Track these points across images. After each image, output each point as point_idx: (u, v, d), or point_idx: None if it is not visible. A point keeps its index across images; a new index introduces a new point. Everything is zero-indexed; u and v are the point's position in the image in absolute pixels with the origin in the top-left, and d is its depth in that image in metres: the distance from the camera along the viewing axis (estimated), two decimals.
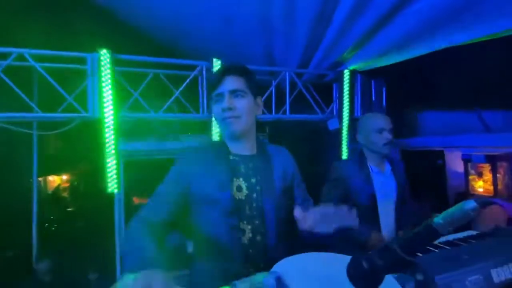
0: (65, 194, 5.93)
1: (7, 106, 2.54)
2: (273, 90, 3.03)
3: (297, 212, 0.89)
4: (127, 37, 2.51)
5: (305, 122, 3.28)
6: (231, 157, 1.07)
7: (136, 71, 2.76)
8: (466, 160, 5.72)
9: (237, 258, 0.96)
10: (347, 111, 2.99)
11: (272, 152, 1.15)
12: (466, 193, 5.66)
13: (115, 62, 2.36)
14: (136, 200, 4.12)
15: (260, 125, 4.14)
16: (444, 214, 0.53)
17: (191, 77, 2.67)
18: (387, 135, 1.64)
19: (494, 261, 1.09)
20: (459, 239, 1.42)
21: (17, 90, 2.34)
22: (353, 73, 2.93)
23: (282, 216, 1.04)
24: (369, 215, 1.64)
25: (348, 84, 2.93)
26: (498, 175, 5.23)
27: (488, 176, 5.42)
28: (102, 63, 2.22)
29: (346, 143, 2.97)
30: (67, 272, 3.34)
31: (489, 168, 5.34)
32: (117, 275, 3.01)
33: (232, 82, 1.03)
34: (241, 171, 1.05)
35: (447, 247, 1.32)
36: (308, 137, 3.68)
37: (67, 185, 6.17)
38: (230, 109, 1.01)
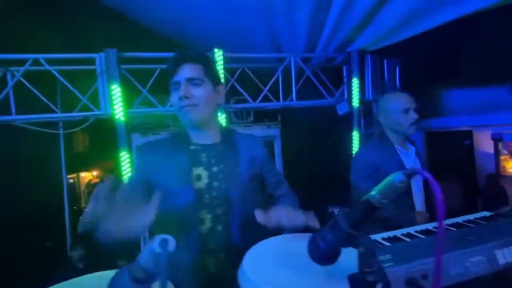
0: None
1: (31, 108, 2.74)
2: (280, 77, 2.98)
3: (259, 217, 0.85)
4: (133, 34, 2.58)
5: (319, 108, 3.21)
6: (191, 147, 1.04)
7: (145, 68, 2.85)
8: (497, 139, 5.31)
9: (193, 248, 0.94)
10: (357, 93, 2.87)
11: (238, 140, 1.12)
12: (497, 175, 5.28)
13: (123, 60, 2.46)
14: None
15: (272, 113, 4.12)
16: (377, 187, 0.54)
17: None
18: (413, 115, 1.56)
19: (501, 242, 1.04)
20: (470, 221, 1.36)
21: (37, 92, 2.52)
22: (362, 54, 2.79)
23: (249, 204, 1.00)
24: (404, 197, 1.56)
25: (357, 66, 2.80)
26: None
27: None
28: (109, 62, 2.33)
29: (357, 127, 2.87)
30: (98, 258, 3.61)
31: None
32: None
33: (188, 70, 0.99)
34: (202, 160, 1.02)
35: (453, 228, 1.28)
36: (322, 123, 3.61)
37: (97, 180, 6.60)
38: (186, 97, 0.98)
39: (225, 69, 2.71)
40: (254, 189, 1.06)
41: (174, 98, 1.02)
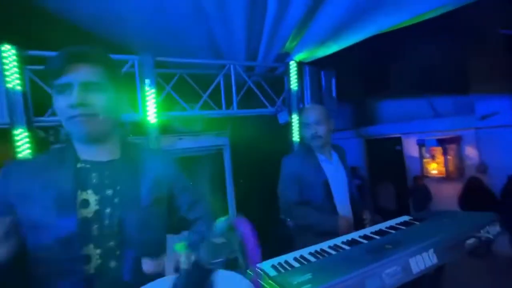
0: None
1: None
2: (222, 85, 2.88)
3: (145, 266, 0.73)
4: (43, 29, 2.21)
5: (269, 116, 3.18)
6: (78, 165, 0.84)
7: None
8: (420, 144, 6.04)
9: None
10: (295, 103, 2.94)
11: (143, 157, 0.94)
12: (422, 176, 5.97)
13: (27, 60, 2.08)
14: None
15: (220, 122, 3.99)
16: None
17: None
18: (313, 129, 1.59)
19: (414, 249, 1.06)
20: (392, 227, 1.41)
21: None
22: (300, 65, 2.89)
23: (151, 232, 0.86)
24: (326, 203, 1.58)
25: (296, 76, 2.87)
26: (448, 157, 5.57)
27: (440, 158, 5.75)
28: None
29: (296, 136, 2.91)
30: None
31: (441, 151, 5.68)
32: None
33: (86, 72, 0.79)
34: (91, 181, 0.83)
35: (377, 236, 1.30)
36: (272, 131, 3.60)
37: None
38: (81, 105, 0.78)
39: (158, 74, 2.51)
40: (159, 214, 0.90)
41: (61, 103, 0.79)
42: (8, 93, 1.90)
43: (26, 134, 1.93)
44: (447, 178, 5.57)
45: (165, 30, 2.38)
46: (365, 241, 1.27)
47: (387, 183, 6.59)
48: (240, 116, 3.15)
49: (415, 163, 6.23)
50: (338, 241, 1.30)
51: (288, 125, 3.11)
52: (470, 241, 1.16)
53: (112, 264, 0.80)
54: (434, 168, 5.87)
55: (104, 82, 0.82)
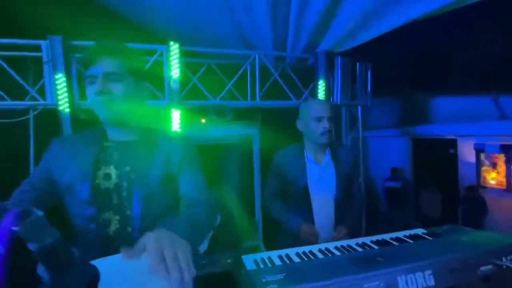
0: None
1: None
2: (249, 75, 2.86)
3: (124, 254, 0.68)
4: (87, 20, 2.43)
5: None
6: (105, 144, 0.99)
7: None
8: (479, 149, 5.24)
9: (95, 249, 0.89)
10: (323, 95, 2.77)
11: (160, 139, 1.05)
12: (478, 186, 5.22)
13: (73, 49, 2.33)
14: None
15: (252, 112, 4.01)
16: None
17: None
18: (325, 124, 1.49)
19: (409, 266, 0.95)
20: (398, 238, 1.28)
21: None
22: (329, 55, 2.68)
23: (155, 206, 0.96)
24: (302, 208, 1.51)
25: (324, 67, 2.69)
26: None
27: (502, 167, 4.94)
28: (55, 50, 2.20)
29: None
30: None
31: (504, 158, 4.86)
32: None
33: (108, 64, 0.93)
34: (114, 158, 0.97)
35: (375, 246, 1.19)
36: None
37: None
38: (103, 92, 0.91)
39: (185, 63, 2.60)
40: (166, 192, 1.00)
41: (89, 91, 0.95)
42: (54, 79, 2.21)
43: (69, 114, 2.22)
44: (508, 190, 4.78)
45: (194, 20, 2.44)
46: (359, 249, 1.17)
47: (434, 189, 5.91)
48: (270, 108, 3.11)
49: (470, 170, 5.47)
50: (331, 245, 1.23)
51: None
52: (486, 267, 0.99)
53: (128, 229, 0.93)
54: (494, 178, 5.09)
55: (123, 72, 0.94)
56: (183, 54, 2.49)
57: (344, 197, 1.54)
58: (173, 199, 1.02)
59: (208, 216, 1.00)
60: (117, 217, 0.93)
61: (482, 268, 1.00)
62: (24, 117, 2.38)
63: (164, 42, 2.42)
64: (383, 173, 6.56)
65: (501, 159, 4.98)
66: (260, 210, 4.36)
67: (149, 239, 0.64)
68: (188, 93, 2.72)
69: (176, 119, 2.52)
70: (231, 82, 2.81)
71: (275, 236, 1.71)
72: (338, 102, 2.87)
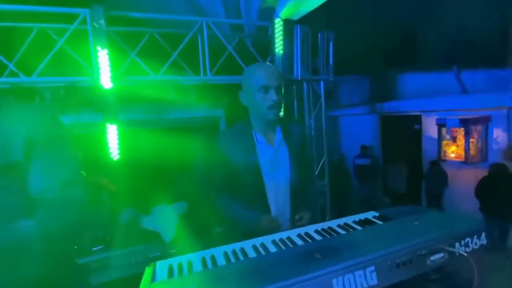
0: None
1: None
2: (200, 47, 2.52)
3: None
4: None
5: None
6: None
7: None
8: (441, 124, 5.36)
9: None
10: (282, 70, 2.52)
11: None
12: (439, 160, 5.40)
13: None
14: None
15: (217, 91, 3.66)
16: None
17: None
18: (272, 95, 1.21)
19: (347, 264, 0.78)
20: (346, 225, 1.12)
21: None
22: (287, 23, 2.41)
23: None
24: (256, 195, 1.28)
25: (282, 36, 2.43)
26: (471, 139, 4.93)
27: (462, 140, 5.12)
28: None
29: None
30: None
31: (463, 132, 5.02)
32: None
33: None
34: None
35: (318, 237, 1.02)
36: None
37: None
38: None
39: (119, 33, 2.20)
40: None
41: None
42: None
43: None
44: (466, 162, 4.98)
45: None
46: (300, 243, 1.00)
47: (400, 164, 6.09)
48: (237, 85, 2.81)
49: (433, 144, 5.63)
50: (268, 239, 1.04)
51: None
52: (437, 257, 0.85)
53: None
54: (454, 151, 5.27)
55: None
56: (114, 22, 2.09)
57: (300, 181, 1.34)
58: None
59: None
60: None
61: (433, 257, 0.86)
62: None
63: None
64: (355, 151, 6.66)
65: (460, 132, 5.13)
66: None
67: None
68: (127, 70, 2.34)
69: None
70: (175, 54, 2.44)
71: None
72: (299, 77, 2.63)
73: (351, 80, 7.16)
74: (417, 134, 6.07)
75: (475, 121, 4.84)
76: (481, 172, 4.37)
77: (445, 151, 5.38)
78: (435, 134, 5.55)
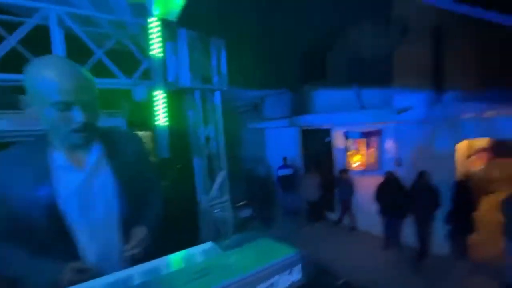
0: None
1: None
2: (57, 42, 2.03)
3: None
4: None
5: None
6: None
7: None
8: (347, 137, 5.93)
9: None
10: (161, 76, 2.24)
11: None
12: (346, 169, 5.87)
13: None
14: None
15: (118, 99, 3.11)
16: None
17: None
18: (78, 116, 0.84)
19: None
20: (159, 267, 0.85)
21: None
22: (169, 24, 2.17)
23: None
24: (56, 240, 0.89)
25: (160, 39, 2.17)
26: (371, 149, 5.52)
27: (363, 151, 5.70)
28: None
29: (161, 119, 2.23)
30: None
31: (364, 143, 5.61)
32: None
33: None
34: None
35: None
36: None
37: None
38: None
39: None
40: None
41: None
42: None
43: None
44: (367, 170, 5.54)
45: None
46: None
47: (315, 174, 6.46)
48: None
49: (342, 155, 6.13)
50: None
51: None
52: None
53: None
54: (357, 160, 5.82)
55: None
56: None
57: (136, 211, 1.01)
58: None
59: None
60: None
61: None
62: None
63: None
64: (280, 162, 6.88)
65: (362, 144, 5.70)
66: None
67: None
68: None
69: None
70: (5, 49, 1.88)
71: None
72: (189, 85, 2.39)
73: (275, 94, 7.45)
74: (329, 146, 6.57)
75: (372, 134, 5.46)
76: (379, 178, 4.85)
77: (350, 161, 5.90)
78: (343, 146, 6.06)
